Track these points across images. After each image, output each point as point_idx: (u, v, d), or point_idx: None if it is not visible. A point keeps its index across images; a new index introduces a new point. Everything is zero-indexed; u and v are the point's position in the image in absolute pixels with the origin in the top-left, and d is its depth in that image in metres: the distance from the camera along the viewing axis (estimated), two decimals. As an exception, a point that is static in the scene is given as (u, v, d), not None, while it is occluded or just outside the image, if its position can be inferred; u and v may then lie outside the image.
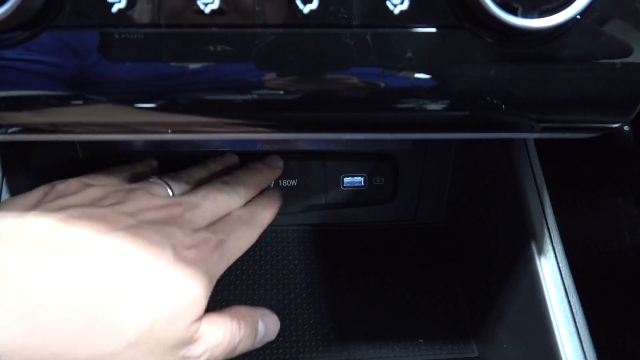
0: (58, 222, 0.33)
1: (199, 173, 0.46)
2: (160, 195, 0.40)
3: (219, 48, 0.29)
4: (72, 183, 0.39)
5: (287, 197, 0.53)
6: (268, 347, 0.46)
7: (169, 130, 0.34)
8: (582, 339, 0.36)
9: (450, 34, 0.31)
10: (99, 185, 0.39)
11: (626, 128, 0.46)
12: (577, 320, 0.36)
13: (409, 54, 0.31)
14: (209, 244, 0.36)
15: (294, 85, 0.31)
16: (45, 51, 0.29)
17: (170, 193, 0.41)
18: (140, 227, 0.34)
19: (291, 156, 0.53)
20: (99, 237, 0.33)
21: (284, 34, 0.29)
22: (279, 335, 0.47)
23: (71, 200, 0.36)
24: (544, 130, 0.35)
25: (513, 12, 0.28)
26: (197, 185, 0.44)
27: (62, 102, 0.31)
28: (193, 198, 0.39)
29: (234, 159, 0.50)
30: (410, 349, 0.46)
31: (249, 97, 0.31)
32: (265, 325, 0.39)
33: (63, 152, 0.48)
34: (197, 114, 0.32)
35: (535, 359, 0.38)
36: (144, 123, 0.32)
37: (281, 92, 0.31)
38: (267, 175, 0.48)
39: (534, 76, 0.32)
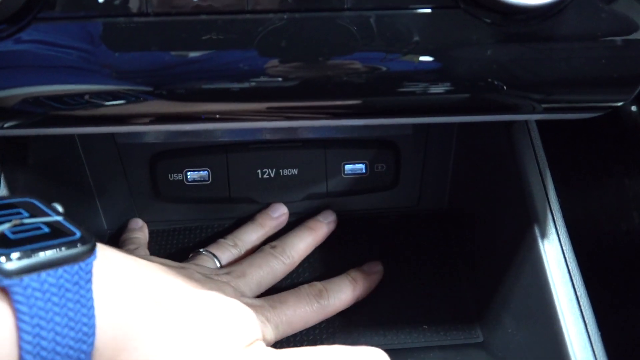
0: None
1: (247, 236, 0.49)
2: (210, 267, 0.43)
3: (209, 36, 0.29)
4: None
5: (288, 186, 0.53)
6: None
7: (166, 121, 0.34)
8: (587, 322, 0.35)
9: (446, 14, 0.30)
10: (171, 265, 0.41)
11: (633, 108, 0.45)
12: (581, 303, 0.36)
13: (404, 36, 0.30)
14: (255, 308, 0.38)
15: (289, 72, 0.30)
16: (34, 44, 0.29)
17: (218, 264, 0.45)
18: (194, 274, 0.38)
19: (291, 145, 0.53)
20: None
21: (275, 19, 0.29)
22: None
23: None
24: (546, 110, 0.35)
25: (508, -10, 0.28)
26: (247, 247, 0.47)
27: (55, 94, 0.30)
28: (239, 268, 0.43)
29: (281, 213, 0.52)
30: (415, 335, 0.46)
31: (242, 85, 0.30)
32: None
33: (62, 146, 0.47)
34: (194, 103, 0.32)
35: (540, 343, 0.37)
36: (137, 114, 0.32)
37: (276, 79, 0.30)
38: (319, 233, 0.50)
39: (533, 55, 0.31)
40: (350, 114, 0.34)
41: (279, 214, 0.52)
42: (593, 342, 0.35)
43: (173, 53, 0.29)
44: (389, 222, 0.55)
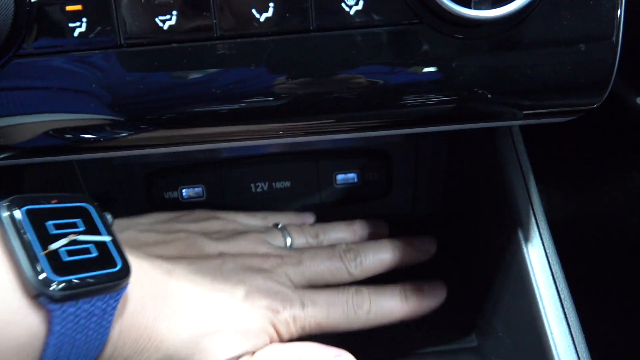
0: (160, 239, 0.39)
1: (334, 233, 0.46)
2: (273, 243, 0.43)
3: (181, 62, 0.30)
4: (204, 213, 0.45)
5: (282, 199, 0.54)
6: (268, 347, 0.47)
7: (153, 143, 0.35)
8: (571, 324, 0.35)
9: (410, 30, 0.31)
10: (223, 219, 0.44)
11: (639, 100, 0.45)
12: (565, 306, 0.36)
13: (370, 53, 0.31)
14: (286, 303, 0.38)
15: (284, 91, 0.31)
16: (16, 78, 0.30)
17: (289, 242, 0.44)
18: (225, 264, 0.38)
19: (283, 158, 0.54)
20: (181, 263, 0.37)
21: (242, 44, 0.30)
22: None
23: (186, 225, 0.42)
24: (526, 117, 0.35)
25: (466, 4, 0.28)
26: (327, 243, 0.45)
27: (39, 126, 0.32)
28: (298, 255, 0.42)
29: (382, 228, 0.49)
30: (410, 342, 0.46)
31: (221, 107, 0.31)
32: None
33: (59, 169, 0.49)
34: (175, 129, 0.33)
35: (526, 347, 0.38)
36: (116, 143, 0.33)
37: (251, 100, 0.31)
38: (404, 256, 0.44)
39: (500, 65, 0.32)
40: (332, 130, 0.35)
41: (380, 228, 0.49)
42: (577, 344, 0.35)
43: (149, 81, 0.30)
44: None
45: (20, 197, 0.29)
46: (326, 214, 0.55)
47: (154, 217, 0.43)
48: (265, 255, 0.40)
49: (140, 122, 0.32)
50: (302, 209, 0.54)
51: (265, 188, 0.54)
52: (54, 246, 0.27)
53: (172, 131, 0.33)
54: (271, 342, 0.37)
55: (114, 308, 0.29)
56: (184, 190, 0.53)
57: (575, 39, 0.30)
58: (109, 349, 0.30)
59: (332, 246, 0.44)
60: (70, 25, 0.29)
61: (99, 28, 0.29)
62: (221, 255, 0.40)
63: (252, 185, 0.53)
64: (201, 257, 0.39)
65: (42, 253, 0.27)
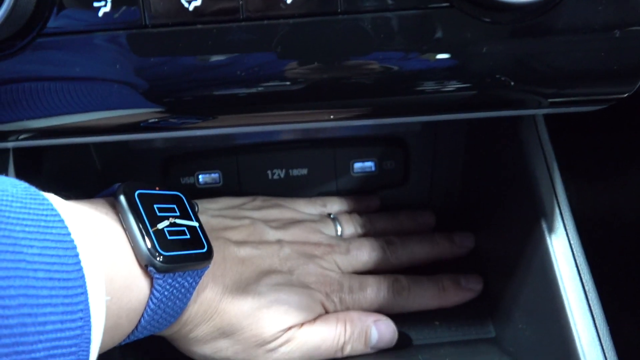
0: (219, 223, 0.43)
1: (380, 223, 0.50)
2: (324, 232, 0.47)
3: (206, 44, 0.30)
4: (267, 200, 0.49)
5: (298, 186, 0.53)
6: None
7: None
8: (595, 317, 0.35)
9: (439, 14, 0.30)
10: (282, 207, 0.48)
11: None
12: (589, 298, 0.35)
13: (399, 37, 0.30)
14: (334, 286, 0.42)
15: (304, 75, 0.30)
16: (40, 58, 0.30)
17: (340, 231, 0.48)
18: (282, 250, 0.43)
19: (301, 145, 0.53)
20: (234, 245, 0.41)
21: (268, 26, 0.29)
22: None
23: (250, 212, 0.46)
24: (552, 105, 0.34)
25: (500, -13, 0.28)
26: (374, 232, 0.49)
27: (66, 107, 0.31)
28: (346, 245, 0.46)
29: (428, 219, 0.52)
30: (427, 332, 0.46)
31: (245, 90, 0.31)
32: (379, 330, 0.42)
33: (76, 154, 0.49)
34: (202, 111, 0.32)
35: (548, 338, 0.37)
36: (140, 124, 0.33)
37: (282, 83, 0.31)
38: (444, 250, 0.49)
39: (532, 51, 0.31)
40: (356, 116, 0.34)
41: (426, 218, 0.52)
42: (601, 336, 0.34)
43: (173, 63, 0.30)
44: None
45: (131, 183, 0.33)
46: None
47: (222, 202, 0.47)
48: (317, 244, 0.45)
49: (163, 105, 0.31)
50: (318, 196, 0.54)
51: (282, 175, 0.53)
52: (161, 225, 0.33)
53: (194, 114, 0.32)
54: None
55: (197, 283, 0.34)
56: (200, 176, 0.53)
57: (609, 24, 0.30)
58: (183, 317, 0.35)
59: (377, 238, 0.48)
60: (95, 4, 0.28)
61: (123, 8, 0.29)
62: (279, 242, 0.44)
63: (269, 172, 0.53)
64: (262, 243, 0.43)
65: (152, 230, 0.32)
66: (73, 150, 0.48)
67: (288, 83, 0.31)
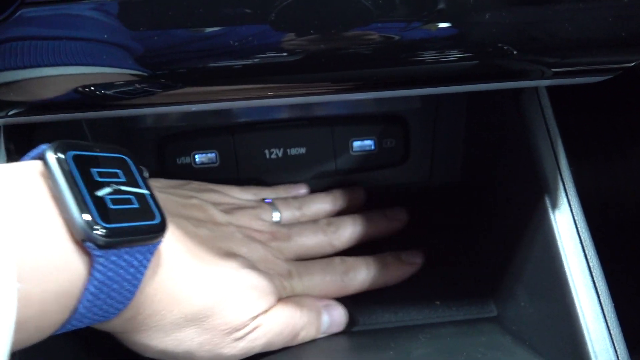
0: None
1: (316, 205, 0.49)
2: (265, 219, 0.45)
3: (197, 12, 0.28)
4: (202, 184, 0.46)
5: (297, 165, 0.52)
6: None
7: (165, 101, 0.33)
8: (600, 293, 0.34)
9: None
10: (220, 193, 0.46)
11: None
12: (594, 274, 0.35)
13: (410, 3, 0.29)
14: (283, 273, 0.41)
15: (307, 45, 0.29)
16: (24, 28, 0.29)
17: (279, 217, 0.46)
18: (235, 233, 0.41)
19: (298, 123, 0.52)
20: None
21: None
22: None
23: (194, 193, 0.43)
24: (555, 75, 0.33)
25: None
26: (310, 214, 0.48)
27: (49, 80, 0.30)
28: (287, 231, 0.45)
29: (359, 194, 0.51)
30: (427, 312, 0.45)
31: (251, 61, 0.30)
32: (330, 315, 0.41)
33: (69, 133, 0.48)
34: (206, 82, 0.31)
35: (552, 316, 0.37)
36: (137, 97, 0.32)
37: (290, 53, 0.30)
38: (381, 226, 0.49)
39: (538, 17, 0.30)
40: (359, 85, 0.33)
41: (357, 194, 0.52)
42: (606, 312, 0.34)
43: (163, 33, 0.29)
44: (400, 197, 0.54)
45: (65, 141, 0.28)
46: (342, 182, 0.54)
47: (161, 182, 0.44)
48: (260, 231, 0.43)
49: (153, 77, 0.30)
50: (317, 176, 0.53)
51: (280, 154, 0.52)
52: (100, 193, 0.27)
53: (186, 87, 0.31)
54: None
55: (149, 261, 0.29)
56: (197, 156, 0.52)
57: (618, -11, 0.28)
58: (137, 303, 0.30)
59: (316, 221, 0.47)
60: (81, -29, 0.27)
61: (110, -26, 0.27)
62: (229, 224, 0.42)
63: (267, 151, 0.52)
64: (216, 224, 0.41)
65: (90, 198, 0.26)
66: (65, 128, 0.47)
67: (285, 54, 0.29)
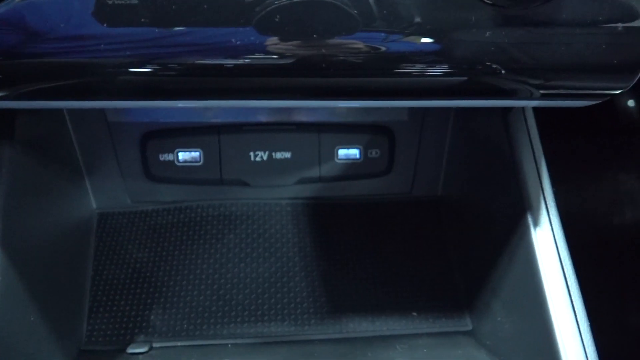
0: None
1: None
2: None
3: (214, 11, 0.28)
4: None
5: (281, 169, 0.52)
6: (260, 320, 0.46)
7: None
8: (577, 311, 0.35)
9: (445, -5, 0.29)
10: None
11: (630, 103, 0.44)
12: (571, 292, 0.36)
13: (407, 17, 0.29)
14: None
15: (293, 49, 0.29)
16: (20, 13, 0.28)
17: None
18: None
19: (285, 128, 0.52)
20: None
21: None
22: (271, 308, 0.46)
23: None
24: (543, 97, 0.34)
25: (509, -31, 0.27)
26: None
27: (40, 65, 0.30)
28: None
29: None
30: (404, 322, 0.46)
31: (244, 61, 0.30)
32: None
33: (50, 122, 0.46)
34: (192, 79, 0.31)
35: (529, 331, 0.37)
36: (128, 88, 0.31)
37: (279, 56, 0.29)
38: None
39: (532, 39, 0.31)
40: (347, 94, 0.33)
41: None
42: (582, 331, 0.34)
43: (173, 28, 0.28)
44: (381, 208, 0.54)
45: None
46: (325, 189, 0.54)
47: None
48: None
49: (161, 70, 0.30)
50: (300, 181, 0.53)
51: (265, 157, 0.52)
52: None
53: (184, 80, 0.31)
54: None
55: None
56: (180, 154, 0.51)
57: (613, 18, 0.29)
58: None
59: None
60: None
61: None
62: None
63: (252, 153, 0.52)
64: None
65: None
66: (47, 118, 0.46)
67: (277, 56, 0.29)
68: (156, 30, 0.28)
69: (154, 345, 0.44)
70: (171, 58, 0.29)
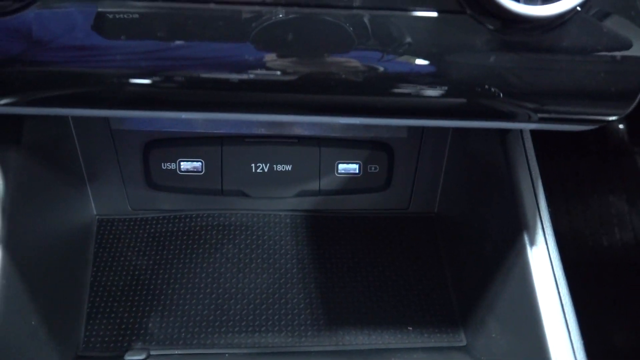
0: None
1: None
2: None
3: (216, 25, 0.29)
4: None
5: (281, 182, 0.53)
6: (257, 330, 0.46)
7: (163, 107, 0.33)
8: (570, 329, 0.36)
9: (451, 19, 0.30)
10: None
11: (621, 126, 0.46)
12: (565, 311, 0.36)
13: (408, 38, 0.30)
14: None
15: (292, 66, 0.30)
16: (34, 23, 0.29)
17: None
18: None
19: (287, 141, 0.53)
20: None
21: (278, 13, 0.29)
22: (268, 319, 0.47)
23: None
24: (541, 120, 0.35)
25: (515, -1, 0.28)
26: None
27: (51, 73, 0.30)
28: None
29: None
30: (399, 336, 0.46)
31: (244, 76, 0.30)
32: None
33: (56, 129, 0.47)
34: (194, 92, 0.32)
35: (523, 348, 0.38)
36: (134, 99, 0.32)
37: (278, 73, 0.30)
38: None
39: (533, 65, 0.32)
40: (346, 111, 0.34)
41: None
42: (575, 349, 0.35)
43: (175, 41, 0.29)
44: (379, 223, 0.55)
45: None
46: (324, 202, 0.55)
47: None
48: None
49: (163, 82, 0.31)
50: (300, 194, 0.54)
51: (266, 169, 0.53)
52: None
53: (197, 96, 0.32)
54: None
55: None
56: (182, 163, 0.51)
57: (613, 47, 0.31)
58: None
59: None
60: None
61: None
62: None
63: (253, 165, 0.52)
64: None
65: None
66: (53, 124, 0.46)
67: (279, 73, 0.30)
68: (154, 43, 0.29)
69: (151, 352, 0.44)
70: (170, 71, 0.30)
